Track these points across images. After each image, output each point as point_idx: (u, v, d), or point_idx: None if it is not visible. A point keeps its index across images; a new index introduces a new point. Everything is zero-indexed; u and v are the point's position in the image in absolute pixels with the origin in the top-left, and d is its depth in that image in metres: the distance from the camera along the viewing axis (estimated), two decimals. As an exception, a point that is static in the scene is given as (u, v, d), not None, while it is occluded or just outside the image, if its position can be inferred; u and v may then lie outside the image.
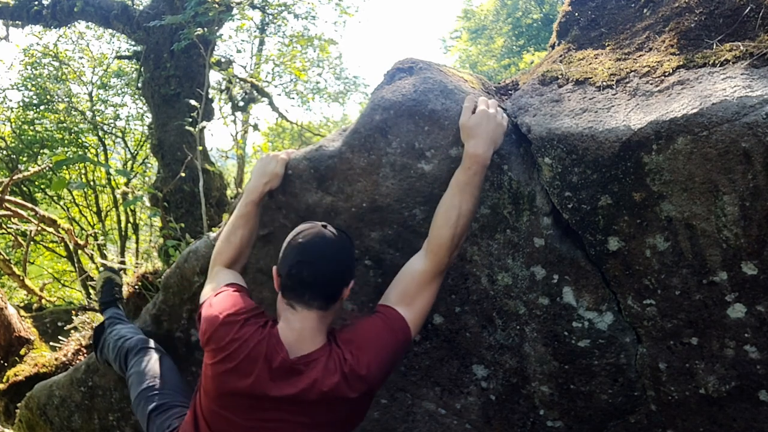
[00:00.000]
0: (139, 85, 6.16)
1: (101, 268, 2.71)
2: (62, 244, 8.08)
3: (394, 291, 1.62)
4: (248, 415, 1.50)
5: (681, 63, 1.61)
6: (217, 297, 1.64)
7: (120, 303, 2.65)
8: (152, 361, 2.03)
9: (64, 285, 9.84)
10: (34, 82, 9.92)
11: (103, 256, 7.37)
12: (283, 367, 1.47)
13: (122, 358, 2.10)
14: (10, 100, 10.31)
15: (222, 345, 1.51)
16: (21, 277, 5.03)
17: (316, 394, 1.45)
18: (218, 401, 1.54)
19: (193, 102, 3.82)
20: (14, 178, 4.90)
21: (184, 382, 2.04)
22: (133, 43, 6.98)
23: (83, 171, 9.85)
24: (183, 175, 4.56)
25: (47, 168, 7.05)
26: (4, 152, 9.34)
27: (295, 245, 1.51)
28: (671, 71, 1.60)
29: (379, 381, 1.53)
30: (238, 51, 13.80)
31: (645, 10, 1.88)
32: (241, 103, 8.40)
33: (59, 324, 3.72)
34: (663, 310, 1.61)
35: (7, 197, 4.51)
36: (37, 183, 9.21)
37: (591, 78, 1.74)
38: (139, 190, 9.49)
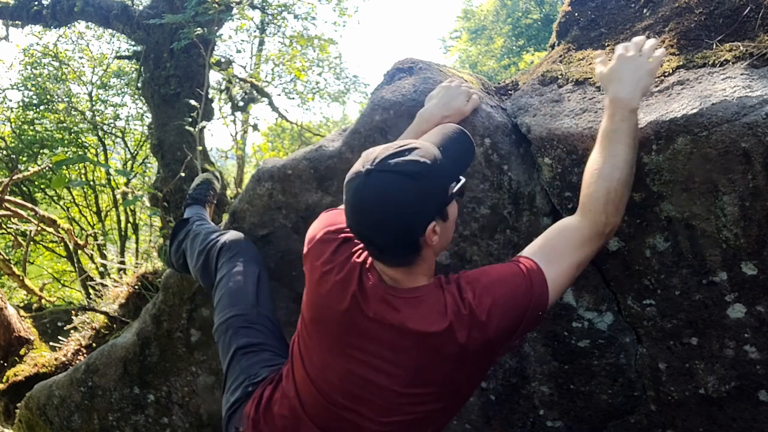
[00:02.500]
0: (139, 85, 6.16)
1: (204, 173, 2.51)
2: (62, 244, 8.08)
3: (537, 244, 1.36)
4: (338, 342, 1.32)
5: (681, 63, 1.61)
6: (326, 213, 1.52)
7: (209, 206, 2.40)
8: (249, 278, 1.73)
9: (63, 285, 9.84)
10: (33, 82, 9.92)
11: (103, 256, 7.37)
12: (377, 295, 1.28)
13: (214, 255, 1.83)
14: (10, 100, 10.32)
15: (318, 263, 1.37)
16: (21, 277, 5.03)
17: (418, 337, 1.23)
18: (313, 325, 1.37)
19: (192, 102, 3.82)
20: (14, 178, 4.90)
21: (277, 317, 1.75)
22: (132, 43, 6.97)
23: (83, 171, 9.85)
24: (183, 175, 4.55)
25: (47, 168, 7.05)
26: (4, 152, 9.34)
27: (346, 196, 1.24)
28: (671, 71, 1.60)
29: (499, 338, 1.25)
30: (238, 51, 13.82)
31: (645, 11, 1.88)
32: (241, 103, 8.40)
33: (59, 324, 3.72)
34: (663, 310, 1.61)
35: (6, 197, 4.51)
36: (36, 183, 9.20)
37: (591, 78, 1.74)
38: (138, 190, 9.49)
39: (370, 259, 1.32)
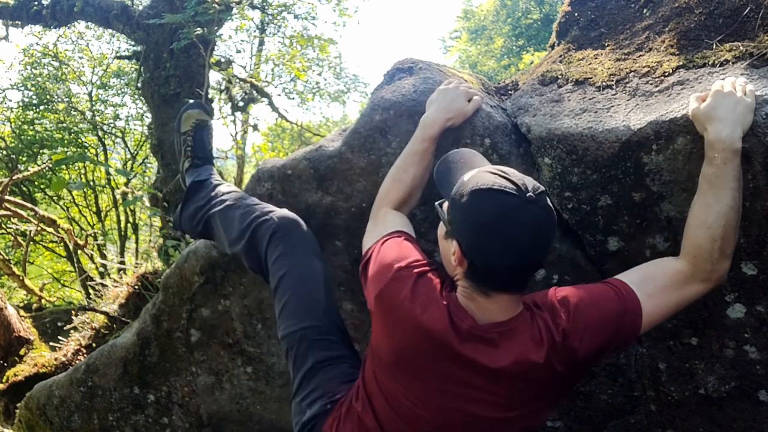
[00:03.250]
0: (139, 85, 6.16)
1: (184, 105, 2.10)
2: (62, 244, 8.07)
3: (637, 273, 1.34)
4: (432, 381, 1.26)
5: (681, 63, 1.61)
6: (385, 245, 1.42)
7: (212, 161, 2.10)
8: (317, 280, 1.62)
9: (63, 285, 9.83)
10: (33, 82, 9.92)
11: (103, 256, 7.37)
12: (471, 335, 1.23)
13: (264, 238, 1.66)
14: (10, 100, 10.32)
15: (396, 303, 1.29)
16: (21, 277, 5.03)
17: (517, 368, 1.21)
18: (397, 367, 1.31)
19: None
20: (14, 178, 4.90)
21: (342, 318, 1.66)
22: (132, 43, 6.97)
23: (83, 171, 9.85)
24: (183, 175, 4.55)
25: (47, 168, 7.05)
26: (4, 152, 9.34)
27: (498, 226, 1.16)
28: (671, 71, 1.60)
29: (587, 359, 1.26)
30: (238, 51, 13.82)
31: (645, 11, 1.88)
32: (241, 103, 8.39)
33: (59, 324, 3.71)
34: (663, 310, 1.61)
35: (6, 197, 4.51)
36: (36, 183, 9.20)
37: (591, 78, 1.74)
38: (138, 190, 9.49)
39: (454, 295, 1.28)
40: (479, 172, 1.24)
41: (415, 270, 1.33)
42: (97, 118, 10.20)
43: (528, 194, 1.16)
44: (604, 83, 1.69)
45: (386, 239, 1.45)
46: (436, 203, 1.36)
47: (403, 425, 1.31)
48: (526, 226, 1.16)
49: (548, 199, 1.20)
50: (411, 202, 1.64)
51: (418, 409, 1.28)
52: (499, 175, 1.20)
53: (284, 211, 1.71)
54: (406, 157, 1.63)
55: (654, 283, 1.31)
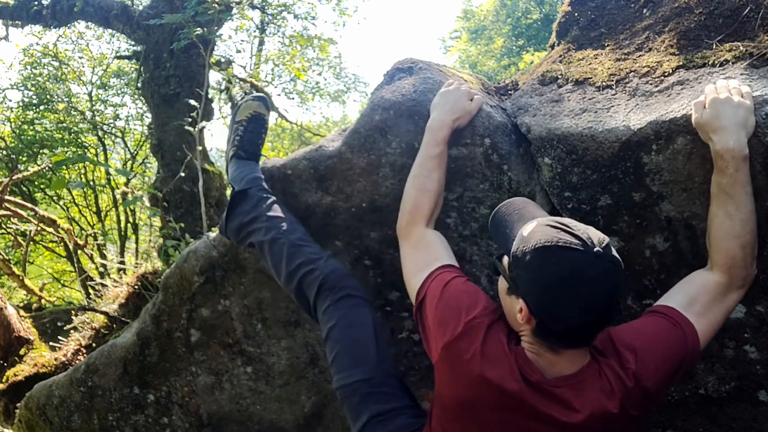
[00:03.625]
0: (139, 85, 6.16)
1: (246, 95, 2.00)
2: (62, 244, 8.07)
3: (681, 296, 1.34)
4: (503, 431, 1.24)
5: (681, 63, 1.61)
6: (449, 288, 1.38)
7: (259, 159, 2.00)
8: (367, 331, 1.58)
9: (63, 285, 9.83)
10: (33, 82, 9.92)
11: (103, 256, 7.37)
12: (542, 390, 1.20)
13: (312, 289, 1.65)
14: (10, 100, 10.31)
15: (465, 358, 1.26)
16: (20, 277, 5.03)
17: (593, 422, 1.18)
18: (463, 417, 1.28)
19: (192, 102, 3.82)
20: (14, 178, 4.90)
21: (396, 368, 1.62)
22: (132, 43, 6.97)
23: (83, 171, 9.85)
24: (182, 175, 4.55)
25: (47, 168, 7.05)
26: (4, 152, 9.34)
27: (568, 286, 1.13)
28: (671, 71, 1.60)
29: (659, 395, 1.26)
30: (238, 51, 13.81)
31: (645, 11, 1.88)
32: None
33: (59, 324, 3.71)
34: (663, 310, 1.61)
35: (6, 197, 4.51)
36: (36, 183, 9.20)
37: (591, 78, 1.74)
38: (138, 190, 9.49)
39: (521, 348, 1.25)
40: (539, 227, 1.20)
41: (486, 321, 1.29)
42: (97, 118, 10.20)
43: (595, 249, 1.13)
44: (604, 83, 1.69)
45: (445, 280, 1.40)
46: (494, 257, 1.33)
47: None
48: (596, 283, 1.12)
49: (613, 250, 1.16)
50: (438, 210, 1.63)
51: None
52: (562, 230, 1.16)
53: (331, 262, 1.69)
54: (425, 164, 1.61)
55: (700, 302, 1.32)
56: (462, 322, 1.29)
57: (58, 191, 9.81)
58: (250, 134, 1.97)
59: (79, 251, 5.69)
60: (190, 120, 4.81)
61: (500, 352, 1.24)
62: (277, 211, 1.80)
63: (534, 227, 1.21)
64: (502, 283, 1.29)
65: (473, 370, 1.24)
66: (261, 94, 1.94)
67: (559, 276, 1.13)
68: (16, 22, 6.28)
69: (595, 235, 1.16)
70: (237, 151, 1.96)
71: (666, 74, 1.61)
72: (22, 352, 3.32)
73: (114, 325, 2.94)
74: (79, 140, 10.01)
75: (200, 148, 3.79)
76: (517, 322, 1.24)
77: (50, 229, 5.12)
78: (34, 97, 9.84)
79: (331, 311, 1.61)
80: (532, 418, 1.20)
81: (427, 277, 1.44)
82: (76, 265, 6.20)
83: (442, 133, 1.61)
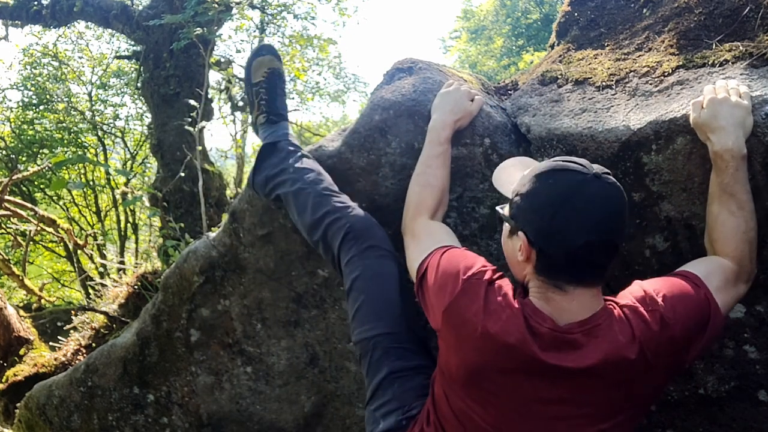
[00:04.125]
0: (139, 84, 6.16)
1: (262, 54, 1.86)
2: (61, 244, 8.07)
3: (700, 266, 1.30)
4: (511, 399, 1.18)
5: (680, 63, 1.61)
6: (445, 257, 1.34)
7: (287, 117, 1.93)
8: (392, 283, 1.53)
9: (63, 285, 9.82)
10: (33, 82, 9.91)
11: (103, 256, 7.37)
12: (553, 338, 1.14)
13: (336, 237, 1.60)
14: (10, 100, 10.31)
15: (467, 317, 1.20)
16: (20, 277, 5.03)
17: (607, 367, 1.11)
18: (471, 386, 1.22)
19: (192, 102, 3.82)
20: (14, 178, 4.90)
21: (421, 325, 1.55)
22: (132, 42, 6.97)
23: (83, 171, 9.85)
24: (182, 175, 4.55)
25: (47, 168, 7.05)
26: (4, 152, 9.34)
27: (566, 202, 1.11)
28: (671, 71, 1.60)
29: (687, 352, 1.18)
30: (238, 51, 13.76)
31: (644, 11, 1.88)
32: (241, 103, 8.39)
33: (58, 324, 3.71)
34: (662, 310, 1.61)
35: (6, 197, 4.51)
36: (36, 183, 9.20)
37: (590, 78, 1.74)
38: (138, 190, 9.49)
39: (528, 299, 1.20)
40: (539, 164, 1.21)
41: (485, 278, 1.25)
42: (97, 118, 10.20)
43: (594, 171, 1.13)
44: (603, 83, 1.69)
45: (443, 251, 1.37)
46: (497, 207, 1.31)
47: None
48: (596, 200, 1.11)
49: (612, 174, 1.16)
50: (443, 207, 1.61)
51: (500, 428, 1.19)
52: (561, 160, 1.18)
53: (358, 212, 1.64)
54: (428, 162, 1.60)
55: (718, 278, 1.27)
56: (460, 281, 1.25)
57: (57, 191, 9.81)
58: (273, 95, 1.90)
59: (79, 251, 5.69)
60: (189, 120, 4.80)
61: (504, 305, 1.19)
62: (304, 163, 1.76)
63: (535, 165, 1.22)
64: (505, 229, 1.29)
65: (477, 328, 1.18)
66: (266, 44, 1.88)
67: (556, 193, 1.13)
68: (16, 22, 6.28)
69: (595, 165, 1.17)
70: (268, 116, 1.90)
71: (666, 74, 1.61)
72: (21, 352, 3.31)
73: (114, 325, 2.94)
74: (78, 140, 10.01)
75: (200, 148, 3.79)
76: (520, 265, 1.22)
77: (50, 229, 5.12)
78: (33, 97, 9.84)
79: (356, 261, 1.55)
80: (541, 374, 1.14)
81: (426, 256, 1.41)
82: (75, 265, 6.19)
83: (444, 133, 1.62)
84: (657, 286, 1.21)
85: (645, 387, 1.17)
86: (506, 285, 1.25)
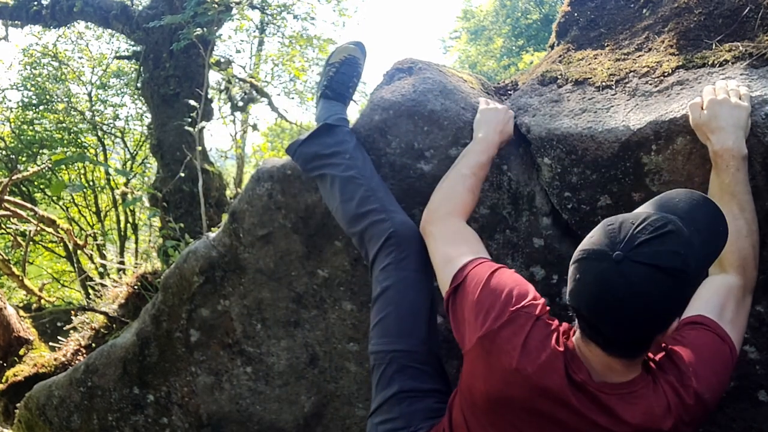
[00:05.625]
0: (139, 85, 6.16)
1: (352, 44, 1.92)
2: (61, 244, 8.07)
3: (711, 303, 1.26)
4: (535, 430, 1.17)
5: (680, 63, 1.61)
6: (495, 277, 1.27)
7: (348, 103, 1.93)
8: (423, 303, 1.49)
9: (63, 285, 9.83)
10: (33, 82, 9.91)
11: (103, 256, 7.37)
12: (585, 390, 1.12)
13: (376, 240, 1.56)
14: (10, 100, 10.31)
15: (506, 349, 1.17)
16: (20, 277, 5.03)
17: None
18: (494, 415, 1.21)
19: (192, 102, 3.82)
20: (13, 178, 4.90)
21: (439, 346, 1.55)
22: (132, 43, 6.97)
23: (82, 171, 9.85)
24: (182, 175, 4.55)
25: (46, 168, 7.05)
26: (4, 152, 9.33)
27: (585, 277, 1.06)
28: (670, 71, 1.60)
29: (714, 409, 1.19)
30: (238, 51, 13.80)
31: (644, 11, 1.88)
32: (241, 103, 8.39)
33: (58, 324, 3.71)
34: (662, 310, 1.61)
35: (6, 197, 4.51)
36: (36, 183, 9.20)
37: (590, 78, 1.74)
38: (138, 191, 9.49)
39: (573, 346, 1.17)
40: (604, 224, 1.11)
41: (535, 312, 1.20)
42: (97, 118, 10.20)
43: (615, 254, 1.01)
44: (603, 83, 1.69)
45: (492, 268, 1.30)
46: None
47: None
48: (620, 293, 1.01)
49: (655, 254, 1.01)
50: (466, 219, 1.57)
51: None
52: (602, 234, 1.07)
53: (403, 217, 1.60)
54: (474, 170, 1.55)
55: (729, 309, 1.25)
56: (508, 311, 1.20)
57: (57, 194, 9.81)
58: (341, 75, 1.90)
59: (79, 251, 5.69)
60: (189, 120, 4.80)
61: (546, 345, 1.15)
62: (362, 154, 1.73)
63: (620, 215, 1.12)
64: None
65: (512, 363, 1.15)
66: (358, 40, 1.93)
67: (583, 289, 1.07)
68: (16, 22, 6.28)
69: (622, 231, 1.04)
70: (325, 90, 1.90)
71: (665, 74, 1.61)
72: (21, 352, 3.31)
73: (114, 326, 2.93)
74: (78, 140, 10.01)
75: (200, 148, 3.79)
76: None
77: (50, 230, 5.12)
78: (33, 97, 9.84)
79: (391, 269, 1.51)
80: (574, 418, 1.12)
81: (467, 263, 1.33)
82: (75, 265, 6.19)
83: (491, 152, 1.58)
84: (691, 357, 1.17)
85: None
86: (552, 322, 1.21)
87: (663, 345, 1.20)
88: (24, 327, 3.43)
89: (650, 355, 1.19)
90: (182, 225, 3.67)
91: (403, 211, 1.63)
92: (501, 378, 1.18)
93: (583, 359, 1.14)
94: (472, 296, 1.26)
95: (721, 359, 1.18)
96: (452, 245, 1.42)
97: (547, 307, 1.24)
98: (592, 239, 1.08)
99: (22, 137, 9.45)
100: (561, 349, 1.15)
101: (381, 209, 1.59)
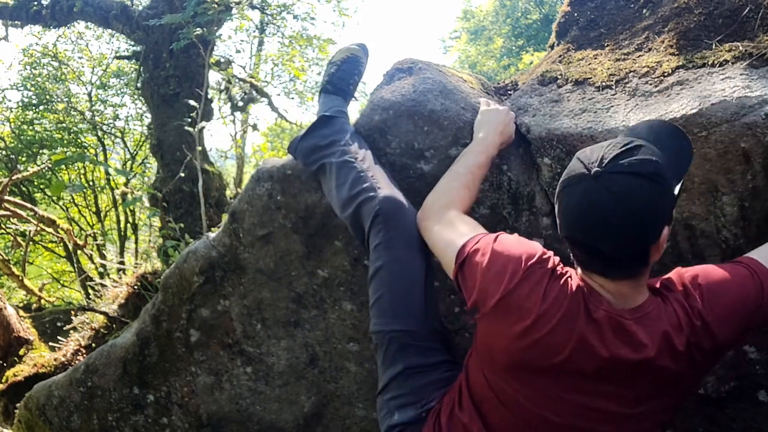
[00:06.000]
0: (139, 85, 6.16)
1: (355, 44, 1.97)
2: (61, 244, 8.07)
3: (764, 250, 1.25)
4: (564, 381, 1.18)
5: (680, 63, 1.61)
6: (499, 241, 1.28)
7: (348, 99, 1.94)
8: (417, 280, 1.50)
9: (63, 285, 9.83)
10: (33, 82, 9.91)
11: (102, 257, 7.37)
12: (609, 322, 1.14)
13: (367, 217, 1.55)
14: (10, 100, 10.31)
15: (527, 305, 1.18)
16: (20, 277, 5.03)
17: (661, 358, 1.12)
18: (517, 369, 1.22)
19: (192, 102, 3.82)
20: (13, 178, 4.90)
21: (441, 320, 1.57)
22: (132, 43, 6.98)
23: (82, 171, 9.85)
24: (182, 175, 4.55)
25: (46, 168, 7.05)
26: (4, 152, 9.33)
27: (571, 200, 1.12)
28: (670, 71, 1.61)
29: (728, 345, 1.19)
30: (238, 51, 13.81)
31: (644, 11, 1.88)
32: (241, 103, 8.39)
33: (58, 324, 3.71)
34: (662, 310, 1.61)
35: (6, 197, 4.51)
36: (36, 183, 9.20)
37: (590, 78, 1.74)
38: (138, 191, 9.49)
39: (587, 283, 1.19)
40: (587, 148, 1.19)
41: (548, 266, 1.22)
42: (97, 118, 10.20)
43: (593, 170, 1.08)
44: (603, 83, 1.69)
45: (494, 235, 1.32)
46: None
47: (527, 430, 1.23)
48: (604, 204, 1.06)
49: (630, 163, 1.07)
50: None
51: (544, 411, 1.20)
52: (576, 163, 1.14)
53: (389, 192, 1.57)
54: (473, 169, 1.56)
55: None
56: (522, 268, 1.21)
57: (57, 194, 9.81)
58: (342, 72, 1.93)
59: (79, 251, 5.69)
60: (189, 120, 4.80)
61: (565, 293, 1.18)
62: (357, 141, 1.74)
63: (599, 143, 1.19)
64: None
65: (532, 317, 1.17)
66: (362, 42, 1.99)
67: (568, 213, 1.13)
68: (16, 22, 6.28)
69: (593, 155, 1.11)
70: (325, 85, 1.93)
71: (665, 74, 1.61)
72: (21, 352, 3.32)
73: (113, 326, 2.94)
74: (78, 140, 10.01)
75: (200, 148, 3.79)
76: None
77: (50, 230, 5.12)
78: (33, 97, 9.84)
79: (382, 249, 1.51)
80: (598, 360, 1.14)
81: (467, 240, 1.34)
82: (75, 265, 6.19)
83: (491, 152, 1.60)
84: (701, 279, 1.19)
85: (686, 379, 1.18)
86: (568, 272, 1.23)
87: (677, 270, 1.22)
88: (24, 327, 3.43)
89: (658, 284, 1.21)
90: (182, 225, 3.67)
91: (392, 186, 1.61)
92: (522, 334, 1.18)
93: (601, 288, 1.17)
94: (481, 265, 1.27)
95: (741, 292, 1.16)
96: (450, 230, 1.42)
97: (557, 257, 1.25)
98: (568, 169, 1.14)
99: (22, 137, 9.45)
100: (575, 289, 1.18)
101: (370, 188, 1.58)
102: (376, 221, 1.53)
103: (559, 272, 1.22)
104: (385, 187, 1.59)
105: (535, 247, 1.27)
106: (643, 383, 1.16)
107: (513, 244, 1.28)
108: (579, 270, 1.21)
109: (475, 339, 1.34)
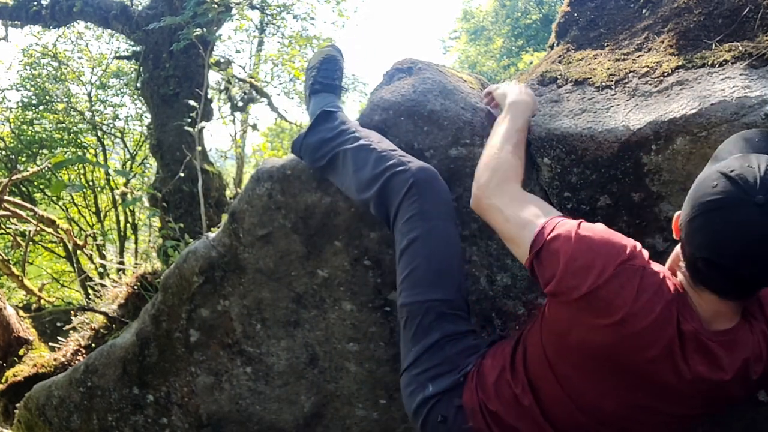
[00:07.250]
0: (138, 85, 6.16)
1: (324, 47, 2.01)
2: (61, 244, 8.07)
3: None
4: (631, 379, 1.17)
5: (680, 63, 1.61)
6: (584, 230, 1.20)
7: (339, 94, 1.95)
8: (454, 253, 1.49)
9: (63, 285, 9.82)
10: (32, 83, 9.91)
11: (102, 257, 7.37)
12: (695, 340, 1.12)
13: (399, 191, 1.51)
14: (9, 101, 10.30)
15: (616, 304, 1.13)
16: (20, 278, 5.03)
17: (734, 383, 1.13)
18: (588, 359, 1.20)
19: (192, 102, 3.82)
20: (13, 178, 4.90)
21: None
22: (132, 43, 6.98)
23: (82, 171, 9.85)
24: (182, 175, 4.55)
25: (46, 168, 7.04)
26: (3, 152, 9.33)
27: (727, 226, 1.05)
28: (670, 72, 1.61)
29: None
30: (237, 51, 13.82)
31: (644, 11, 1.89)
32: (240, 104, 8.39)
33: (58, 324, 3.71)
34: (662, 310, 1.61)
35: (6, 197, 4.51)
36: (36, 183, 9.20)
37: (590, 78, 1.74)
38: (138, 191, 9.49)
39: (686, 292, 1.16)
40: (729, 157, 1.12)
41: (640, 264, 1.16)
42: (97, 119, 10.20)
43: (758, 197, 1.02)
44: (603, 83, 1.69)
45: (577, 222, 1.24)
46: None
47: (579, 414, 1.24)
48: (739, 227, 1.03)
49: None
50: None
51: (602, 402, 1.21)
52: (741, 164, 1.07)
53: (422, 164, 1.55)
54: (513, 134, 1.49)
55: None
56: (614, 264, 1.15)
57: (57, 194, 9.80)
58: (324, 71, 1.93)
59: (79, 251, 5.69)
60: (189, 120, 4.80)
61: (659, 297, 1.14)
62: (364, 129, 1.72)
63: (737, 152, 1.14)
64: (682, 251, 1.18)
65: (621, 315, 1.13)
66: (332, 44, 2.02)
67: (729, 240, 1.05)
68: (16, 22, 6.28)
69: (751, 173, 1.05)
70: (312, 86, 1.92)
71: (665, 74, 1.61)
72: (21, 352, 3.31)
73: (113, 326, 2.94)
74: (78, 140, 10.01)
75: (200, 148, 3.79)
76: (677, 262, 1.19)
77: (49, 230, 5.12)
78: (33, 97, 9.84)
79: (417, 220, 1.47)
80: (675, 369, 1.13)
81: (546, 222, 1.26)
82: (75, 265, 6.19)
83: (526, 113, 1.55)
84: None
85: (739, 399, 1.20)
86: (661, 273, 1.18)
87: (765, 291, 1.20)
88: (24, 327, 3.43)
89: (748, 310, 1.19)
90: (182, 225, 3.67)
91: (418, 159, 1.59)
92: (606, 330, 1.15)
93: (693, 305, 1.15)
94: (565, 255, 1.20)
95: None
96: (521, 209, 1.34)
97: (647, 251, 1.20)
98: (716, 189, 1.06)
99: (21, 137, 9.45)
100: (674, 299, 1.14)
101: (398, 162, 1.55)
102: (410, 192, 1.50)
103: (651, 270, 1.17)
104: (413, 160, 1.57)
105: (625, 241, 1.20)
106: (706, 399, 1.17)
107: (600, 234, 1.20)
108: (683, 278, 1.17)
109: (542, 317, 1.29)
